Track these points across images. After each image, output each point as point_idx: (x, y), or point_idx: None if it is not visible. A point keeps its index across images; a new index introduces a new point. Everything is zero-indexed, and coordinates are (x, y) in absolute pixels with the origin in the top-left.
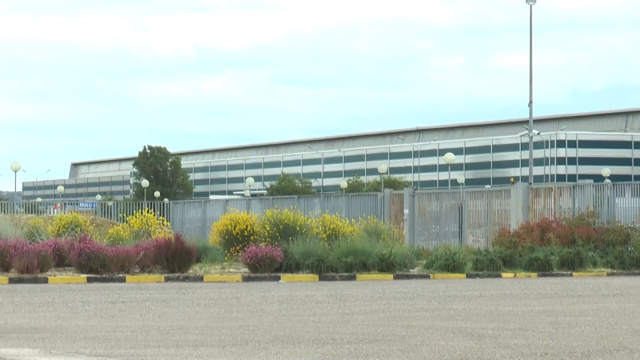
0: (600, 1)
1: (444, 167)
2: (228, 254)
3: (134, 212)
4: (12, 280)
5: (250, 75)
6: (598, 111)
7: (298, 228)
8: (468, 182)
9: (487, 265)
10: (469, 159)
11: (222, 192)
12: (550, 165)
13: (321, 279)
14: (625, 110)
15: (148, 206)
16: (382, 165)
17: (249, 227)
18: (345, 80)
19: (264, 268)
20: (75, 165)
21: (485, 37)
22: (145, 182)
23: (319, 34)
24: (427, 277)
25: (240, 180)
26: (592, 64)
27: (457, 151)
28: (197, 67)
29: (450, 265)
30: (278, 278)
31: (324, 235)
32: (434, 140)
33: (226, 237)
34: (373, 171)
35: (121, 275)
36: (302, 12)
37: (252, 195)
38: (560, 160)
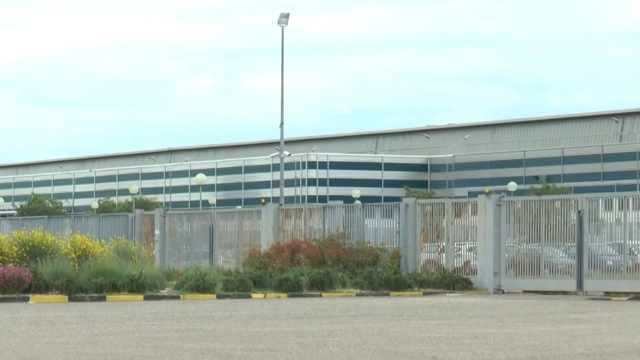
0: (349, 25)
1: (195, 188)
2: None
3: None
4: None
5: None
6: (349, 133)
7: (46, 248)
8: (220, 202)
9: (238, 286)
10: (221, 179)
11: None
12: (302, 186)
13: (71, 299)
14: (375, 132)
15: None
16: (134, 186)
17: None
18: (95, 101)
19: (13, 289)
20: None
21: (235, 59)
22: None
23: (68, 54)
24: (177, 297)
25: None
26: (342, 87)
27: (208, 172)
28: None
29: (200, 286)
30: (27, 299)
31: (74, 256)
32: (186, 161)
33: None
34: (125, 192)
35: None
36: (51, 32)
37: (2, 215)
38: (311, 182)
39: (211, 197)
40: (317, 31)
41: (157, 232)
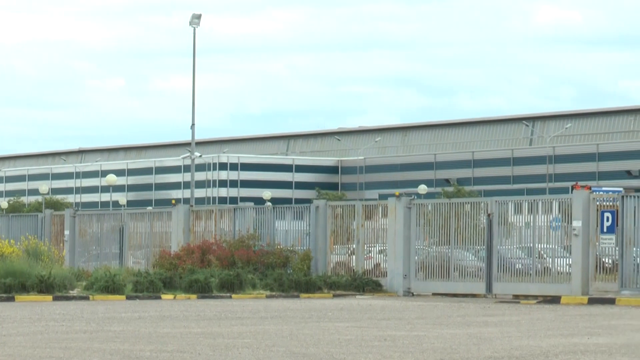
0: (261, 27)
1: (106, 189)
2: None
3: None
4: None
5: None
6: (260, 134)
7: None
8: (130, 203)
9: (147, 287)
10: (131, 180)
11: None
12: (212, 187)
13: None
14: (286, 134)
15: None
16: (44, 186)
17: None
18: (5, 100)
19: None
20: None
21: (146, 60)
22: None
23: None
24: (86, 298)
25: None
26: (253, 88)
27: (119, 172)
28: None
29: (110, 286)
30: None
31: None
32: (96, 161)
33: None
34: (35, 192)
35: None
36: None
37: None
38: (222, 183)
39: (121, 197)
40: (229, 32)
41: (66, 232)
